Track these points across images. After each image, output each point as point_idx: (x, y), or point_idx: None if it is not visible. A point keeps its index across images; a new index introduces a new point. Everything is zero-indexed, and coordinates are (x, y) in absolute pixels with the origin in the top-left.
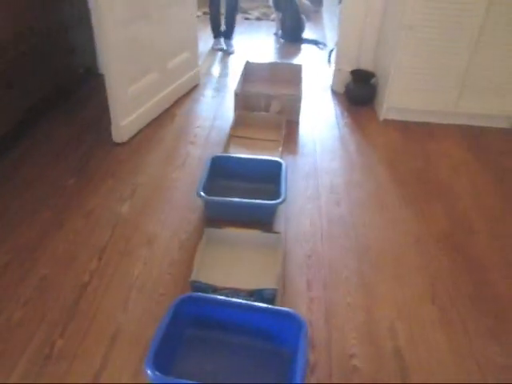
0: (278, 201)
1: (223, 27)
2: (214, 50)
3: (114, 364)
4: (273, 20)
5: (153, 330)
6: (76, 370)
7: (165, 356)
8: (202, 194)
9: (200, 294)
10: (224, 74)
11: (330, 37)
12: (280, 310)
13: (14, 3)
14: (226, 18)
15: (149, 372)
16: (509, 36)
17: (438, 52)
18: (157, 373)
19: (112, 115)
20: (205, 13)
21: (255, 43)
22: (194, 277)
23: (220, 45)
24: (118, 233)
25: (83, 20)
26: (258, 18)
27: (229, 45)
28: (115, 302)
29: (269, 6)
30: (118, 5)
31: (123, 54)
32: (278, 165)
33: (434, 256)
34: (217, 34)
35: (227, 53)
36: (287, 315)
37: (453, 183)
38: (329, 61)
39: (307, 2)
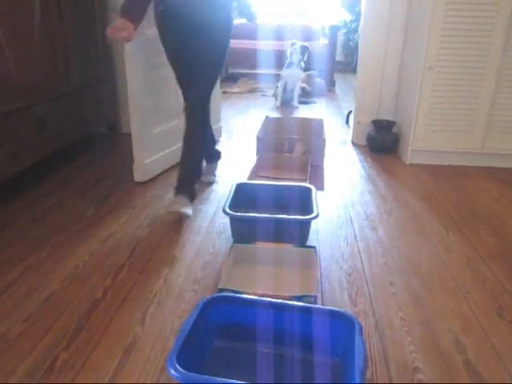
0: (311, 215)
1: None
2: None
3: (126, 378)
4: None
5: (173, 344)
6: (82, 382)
7: (188, 368)
8: (228, 210)
9: (230, 294)
10: (244, 131)
11: (344, 107)
12: (327, 310)
13: (56, 51)
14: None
15: (172, 370)
16: None
17: (460, 92)
18: (181, 369)
19: (135, 153)
20: (224, 92)
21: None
22: (222, 284)
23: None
24: (138, 254)
25: (108, 78)
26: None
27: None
28: (131, 316)
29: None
30: (143, 51)
31: (148, 95)
32: (306, 190)
33: (490, 273)
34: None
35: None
36: (336, 315)
37: (495, 211)
38: (347, 122)
39: (322, 81)
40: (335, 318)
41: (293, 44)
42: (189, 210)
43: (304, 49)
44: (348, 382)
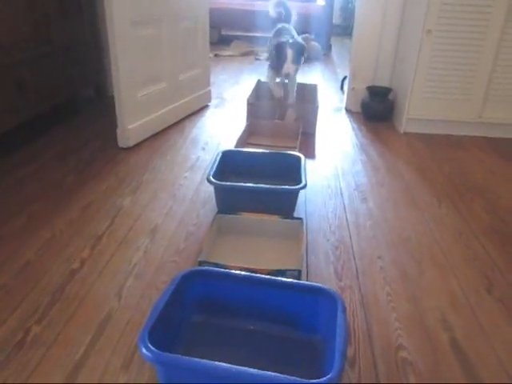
0: (299, 186)
1: None
2: None
3: (100, 352)
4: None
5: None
6: (53, 358)
7: (164, 343)
8: (212, 179)
9: (209, 268)
10: (236, 97)
11: (340, 72)
12: (310, 286)
13: (36, 9)
14: None
15: (143, 349)
16: None
17: (458, 58)
18: (153, 348)
19: (118, 118)
20: (216, 55)
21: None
22: (202, 257)
23: None
24: (118, 223)
25: (95, 41)
26: (267, 59)
27: None
28: (107, 289)
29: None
30: (129, 7)
31: (133, 55)
32: (295, 159)
33: (481, 249)
34: None
35: None
36: (319, 292)
37: (489, 184)
38: (341, 88)
39: (317, 45)
40: (318, 295)
41: (278, 46)
42: None
43: (299, 50)
44: (328, 362)
